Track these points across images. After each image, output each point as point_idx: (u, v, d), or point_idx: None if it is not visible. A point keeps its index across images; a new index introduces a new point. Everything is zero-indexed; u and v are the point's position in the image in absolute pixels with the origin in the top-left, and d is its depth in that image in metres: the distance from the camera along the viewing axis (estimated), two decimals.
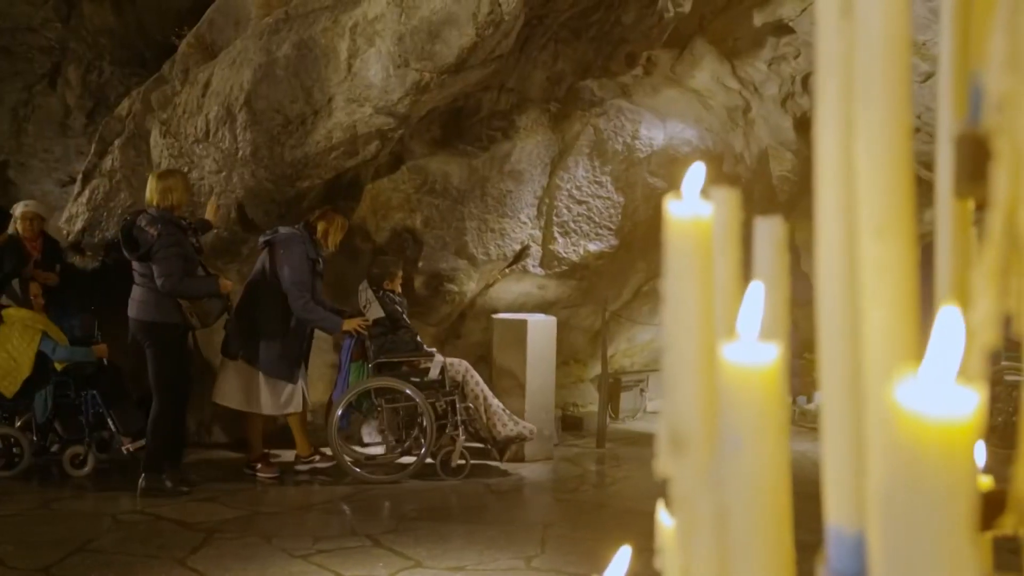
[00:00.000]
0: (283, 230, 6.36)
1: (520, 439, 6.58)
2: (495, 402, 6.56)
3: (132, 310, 5.97)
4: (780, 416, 0.47)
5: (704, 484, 0.52)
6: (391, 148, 6.75)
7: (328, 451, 6.44)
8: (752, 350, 0.47)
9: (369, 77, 6.18)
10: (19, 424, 6.29)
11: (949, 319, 0.39)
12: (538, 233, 7.57)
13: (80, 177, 7.46)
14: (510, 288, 7.74)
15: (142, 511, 5.50)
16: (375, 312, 6.53)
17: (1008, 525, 0.41)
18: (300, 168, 6.50)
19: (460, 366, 6.60)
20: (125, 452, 6.28)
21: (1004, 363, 6.44)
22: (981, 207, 0.62)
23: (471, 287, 7.53)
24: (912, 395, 0.35)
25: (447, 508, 5.73)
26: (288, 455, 6.57)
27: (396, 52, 6.09)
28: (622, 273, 8.06)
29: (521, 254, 7.61)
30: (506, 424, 6.48)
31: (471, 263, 7.44)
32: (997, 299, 0.40)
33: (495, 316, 7.36)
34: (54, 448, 6.34)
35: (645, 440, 7.75)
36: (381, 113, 6.25)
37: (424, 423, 6.34)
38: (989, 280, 0.40)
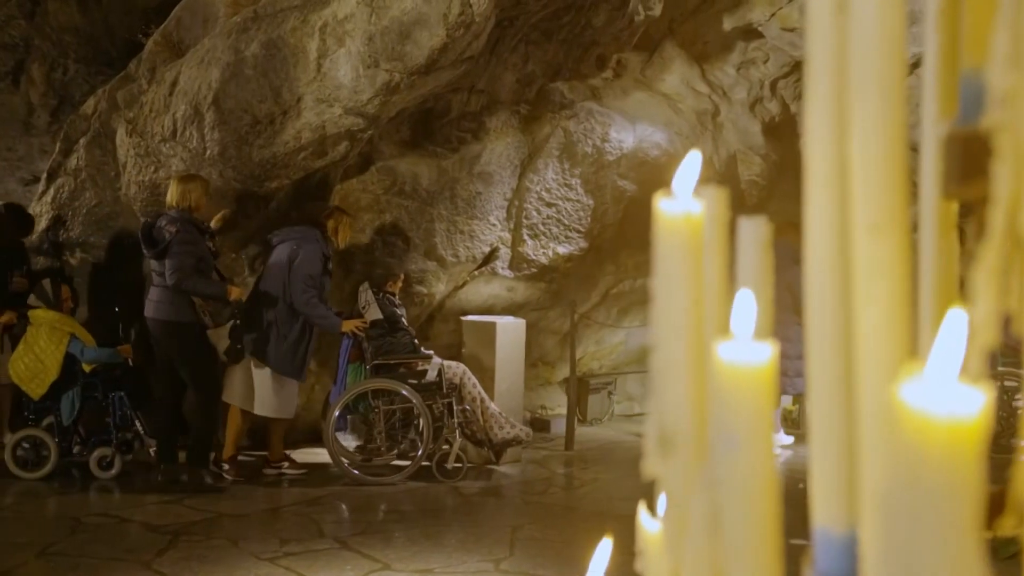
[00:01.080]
0: (296, 229, 6.43)
1: (517, 442, 6.58)
2: (492, 405, 6.56)
3: (149, 310, 6.07)
4: (771, 416, 0.47)
5: (695, 485, 0.51)
6: (360, 149, 6.71)
7: (296, 459, 6.42)
8: (747, 349, 0.46)
9: (338, 77, 6.14)
10: (44, 426, 6.23)
11: (954, 320, 0.38)
12: (507, 235, 7.57)
13: (44, 176, 7.37)
14: (479, 290, 7.73)
15: (107, 513, 5.43)
16: (374, 314, 6.53)
17: (1007, 527, 0.41)
18: (268, 168, 6.45)
19: (457, 368, 6.60)
20: (152, 454, 6.24)
21: (1000, 368, 6.46)
22: (967, 207, 0.62)
23: (440, 289, 7.51)
24: (917, 394, 0.34)
25: (416, 511, 5.71)
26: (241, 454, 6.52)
27: (366, 52, 6.06)
28: (591, 276, 8.08)
29: (490, 256, 7.60)
30: (503, 427, 6.48)
31: (440, 265, 7.42)
32: (997, 299, 0.40)
33: (464, 318, 7.35)
34: (75, 450, 6.29)
35: (613, 443, 7.77)
36: (350, 114, 6.22)
37: (421, 425, 6.31)
38: (989, 279, 0.40)
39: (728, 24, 7.53)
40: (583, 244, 7.73)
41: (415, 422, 6.42)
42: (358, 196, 7.14)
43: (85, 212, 7.34)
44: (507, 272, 7.66)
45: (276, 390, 6.30)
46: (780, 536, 0.49)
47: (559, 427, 7.84)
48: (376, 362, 6.46)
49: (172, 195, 6.02)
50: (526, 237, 7.59)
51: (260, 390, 6.29)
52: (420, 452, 6.28)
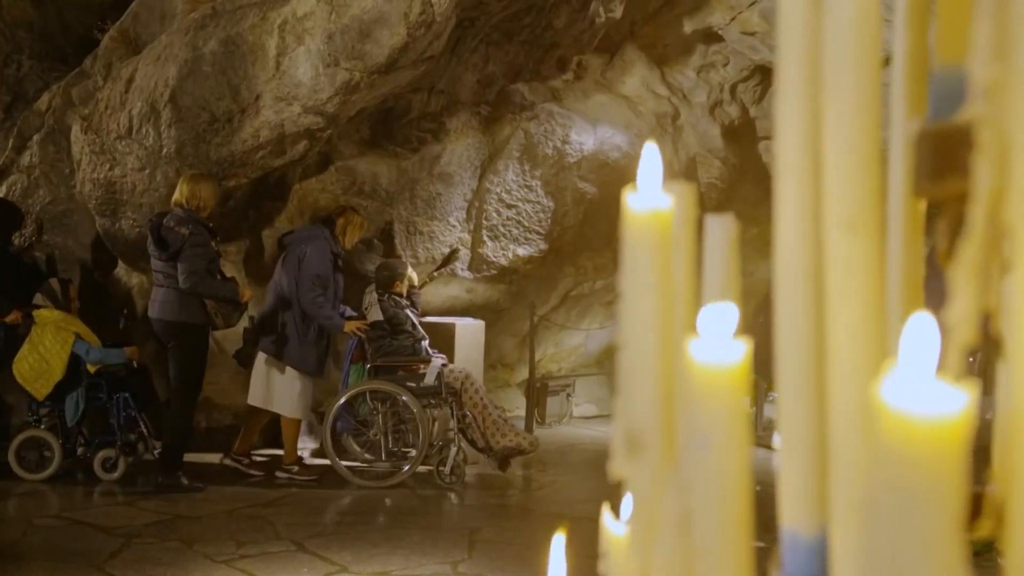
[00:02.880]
0: (306, 228, 6.43)
1: (519, 451, 6.41)
2: (496, 412, 6.47)
3: (155, 311, 6.04)
4: (747, 417, 0.45)
5: (664, 487, 0.50)
6: (319, 148, 6.66)
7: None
8: (720, 348, 0.45)
9: (298, 76, 6.09)
10: (46, 427, 6.15)
11: (921, 319, 0.37)
12: (467, 236, 7.55)
13: None
14: (438, 291, 7.70)
15: (59, 515, 5.34)
16: (375, 315, 6.50)
17: (984, 530, 0.40)
18: (226, 167, 6.37)
19: (460, 373, 6.53)
20: (156, 456, 6.17)
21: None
22: (937, 206, 0.61)
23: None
24: (898, 394, 0.33)
25: (374, 513, 5.67)
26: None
27: (326, 51, 6.01)
28: (550, 278, 8.08)
29: (450, 257, 7.58)
30: (505, 435, 6.37)
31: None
32: (976, 296, 0.39)
33: (423, 319, 7.32)
34: (79, 451, 6.21)
35: (571, 445, 7.78)
36: (310, 112, 6.17)
37: (419, 429, 6.27)
38: (969, 276, 0.39)
39: (688, 27, 7.57)
40: (543, 246, 7.73)
41: (412, 426, 6.38)
42: (317, 196, 7.08)
43: (39, 210, 7.22)
44: (467, 273, 7.64)
45: (293, 388, 6.27)
46: (751, 538, 0.48)
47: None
48: (374, 364, 6.43)
49: (181, 194, 5.97)
50: (486, 238, 7.58)
51: (278, 388, 6.26)
52: (417, 456, 6.23)
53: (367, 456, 6.63)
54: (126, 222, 6.69)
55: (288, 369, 6.29)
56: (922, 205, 0.66)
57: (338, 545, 4.86)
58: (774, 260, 0.51)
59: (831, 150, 0.47)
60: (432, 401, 6.32)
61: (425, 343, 6.65)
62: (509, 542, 5.01)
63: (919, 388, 0.33)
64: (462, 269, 7.62)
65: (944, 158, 0.51)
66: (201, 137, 6.28)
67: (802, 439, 0.48)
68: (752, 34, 7.33)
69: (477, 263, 7.59)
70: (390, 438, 6.49)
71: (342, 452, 6.52)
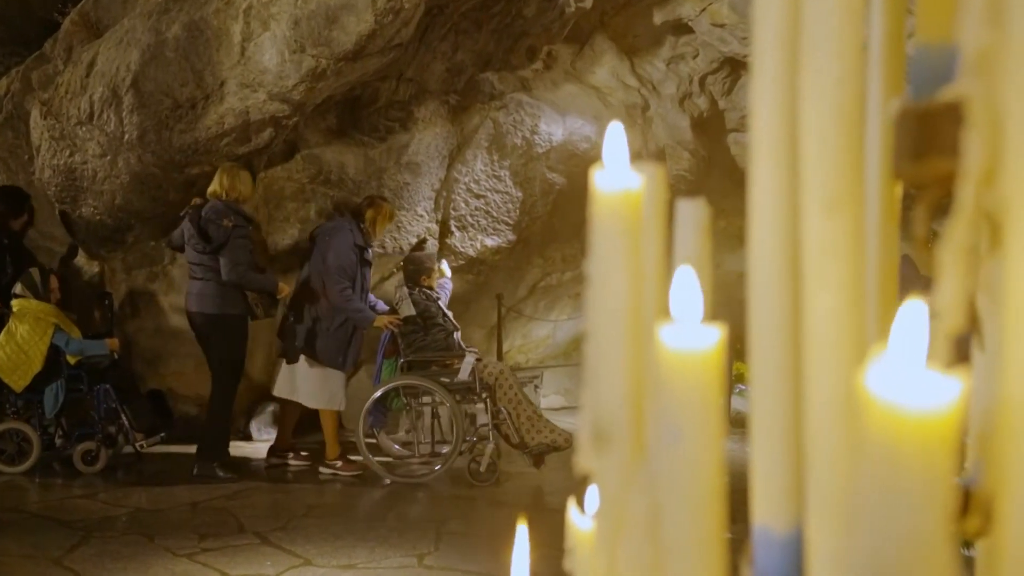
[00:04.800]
0: (331, 221, 6.39)
1: (554, 448, 6.26)
2: (530, 408, 6.36)
3: (193, 304, 6.05)
4: (720, 406, 0.43)
5: (632, 481, 0.48)
6: (285, 136, 6.59)
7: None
8: (692, 333, 0.42)
9: (263, 62, 6.01)
10: (24, 419, 6.06)
11: (914, 305, 0.35)
12: (435, 226, 7.51)
13: None
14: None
15: (17, 508, 5.25)
16: (407, 309, 6.44)
17: (971, 527, 0.38)
18: (190, 154, 6.29)
19: (495, 368, 6.45)
20: (138, 449, 6.12)
21: None
22: (915, 188, 0.59)
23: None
24: (885, 384, 0.31)
25: (338, 505, 5.63)
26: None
27: (292, 37, 5.94)
28: (519, 268, 8.06)
29: (417, 247, 7.53)
30: (540, 431, 6.25)
31: None
32: (965, 278, 0.36)
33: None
34: (58, 444, 6.12)
35: None
36: (275, 99, 6.09)
37: (453, 424, 6.23)
38: (957, 258, 0.36)
39: (658, 18, 7.56)
40: (511, 237, 7.71)
41: (448, 421, 6.35)
42: (283, 185, 7.01)
43: None
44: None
45: (323, 382, 6.21)
46: (725, 533, 0.45)
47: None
48: (407, 359, 6.37)
49: (220, 185, 6.00)
50: (454, 229, 7.54)
51: (307, 383, 6.20)
52: (451, 452, 6.19)
53: (400, 451, 6.60)
54: (87, 209, 6.59)
55: (308, 360, 6.21)
56: (899, 189, 0.64)
57: (302, 538, 4.82)
58: (748, 244, 0.49)
59: (810, 129, 0.45)
60: (466, 396, 6.27)
61: (457, 335, 6.62)
62: (476, 534, 4.99)
63: (907, 378, 0.31)
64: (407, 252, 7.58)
65: (926, 138, 0.49)
66: (164, 123, 6.19)
67: (777, 430, 0.46)
68: (722, 26, 7.33)
69: (445, 253, 7.55)
70: (423, 434, 6.46)
71: (375, 448, 6.48)
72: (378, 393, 6.29)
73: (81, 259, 7.18)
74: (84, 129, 6.38)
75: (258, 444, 6.84)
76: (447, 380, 6.26)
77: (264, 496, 5.71)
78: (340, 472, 6.27)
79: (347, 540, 4.81)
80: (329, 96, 6.51)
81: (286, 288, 6.20)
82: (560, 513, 0.64)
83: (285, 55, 5.97)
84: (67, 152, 6.41)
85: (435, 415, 6.49)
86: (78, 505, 5.33)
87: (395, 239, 7.36)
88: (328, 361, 6.21)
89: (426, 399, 6.37)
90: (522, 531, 0.67)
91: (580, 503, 0.61)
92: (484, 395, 6.22)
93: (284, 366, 6.31)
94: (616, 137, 0.52)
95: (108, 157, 6.38)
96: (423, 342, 6.43)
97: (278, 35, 5.96)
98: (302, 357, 6.22)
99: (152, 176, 6.39)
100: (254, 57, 6.02)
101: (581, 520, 0.61)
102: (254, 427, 7.03)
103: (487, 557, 4.51)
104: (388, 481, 6.12)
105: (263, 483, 5.98)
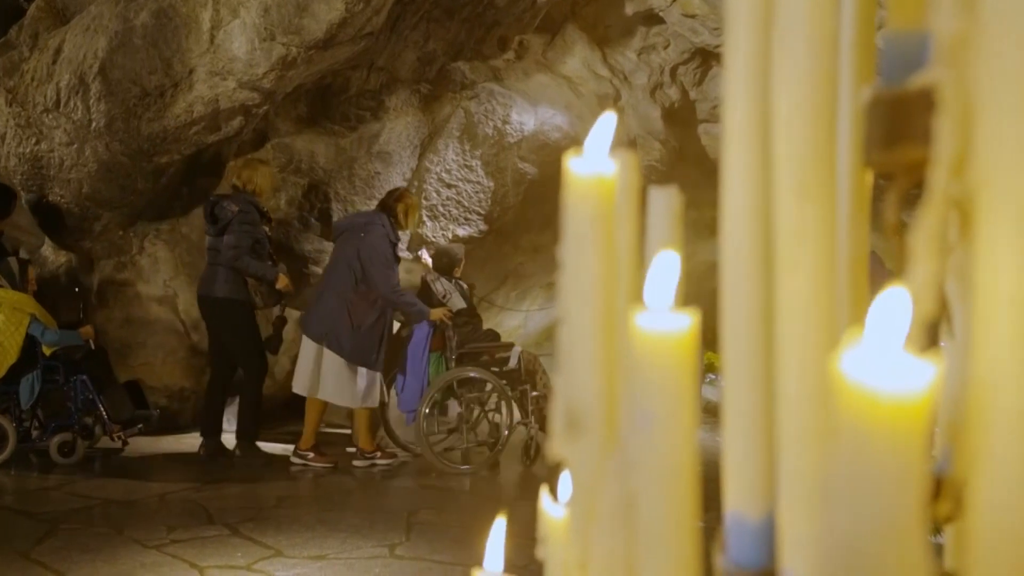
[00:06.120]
0: (360, 215, 6.37)
1: None
2: None
3: (202, 287, 6.14)
4: (694, 391, 0.43)
5: (606, 468, 0.48)
6: (255, 125, 6.54)
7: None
8: (666, 317, 0.42)
9: (233, 50, 5.96)
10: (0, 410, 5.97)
11: (893, 289, 0.35)
12: None
13: None
14: None
15: None
16: (457, 303, 6.52)
17: (942, 512, 0.38)
18: (158, 143, 6.23)
19: (530, 355, 6.56)
20: (115, 440, 6.05)
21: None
22: (886, 178, 0.59)
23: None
24: (858, 367, 0.31)
25: (309, 496, 5.61)
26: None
27: (262, 24, 5.89)
28: (490, 258, 8.06)
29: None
30: None
31: None
32: (937, 264, 0.37)
33: None
34: (34, 435, 6.05)
35: None
36: (245, 88, 6.04)
37: (503, 412, 6.27)
38: (928, 244, 0.37)
39: (630, 9, 7.56)
40: (483, 227, 7.70)
41: (496, 409, 6.40)
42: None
43: None
44: (405, 254, 7.58)
45: (351, 379, 6.15)
46: (698, 521, 0.45)
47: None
48: (463, 351, 6.40)
49: (239, 179, 6.12)
50: (425, 219, 7.52)
51: (335, 380, 6.13)
52: (504, 439, 6.23)
53: (445, 441, 6.63)
54: (53, 198, 6.51)
55: (335, 357, 6.14)
56: (870, 177, 0.64)
57: (273, 529, 4.80)
58: (721, 229, 0.49)
59: (782, 115, 0.45)
60: (514, 385, 6.34)
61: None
62: (447, 524, 4.99)
63: (881, 361, 0.31)
64: (401, 249, 7.55)
65: (897, 126, 0.49)
66: (132, 112, 6.13)
67: (749, 416, 0.46)
68: (693, 16, 7.35)
69: (416, 243, 7.54)
70: (478, 422, 6.54)
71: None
72: (442, 385, 6.32)
73: (47, 249, 7.09)
74: (51, 117, 6.30)
75: (227, 436, 6.79)
76: (496, 370, 6.38)
77: (234, 487, 5.68)
78: (378, 462, 6.27)
79: (318, 531, 4.80)
80: (300, 84, 6.46)
81: (286, 280, 6.18)
82: (531, 503, 0.64)
83: (255, 43, 5.92)
84: (33, 140, 6.33)
85: (481, 404, 6.55)
86: (48, 497, 5.28)
87: None
88: (361, 360, 6.16)
89: (473, 391, 6.42)
90: (499, 527, 0.67)
91: (553, 491, 0.61)
92: (527, 382, 6.33)
93: (309, 363, 6.20)
94: (607, 126, 0.52)
95: (75, 145, 6.31)
96: (475, 334, 6.53)
97: (248, 22, 5.91)
98: (331, 354, 6.14)
99: (120, 165, 6.33)
100: (223, 45, 5.97)
101: (553, 508, 0.61)
102: (224, 419, 6.99)
103: (458, 547, 4.52)
104: (466, 467, 6.21)
105: (233, 474, 5.95)
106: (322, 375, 6.17)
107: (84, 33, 6.22)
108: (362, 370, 6.18)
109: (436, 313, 6.34)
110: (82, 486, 5.51)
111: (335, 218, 7.19)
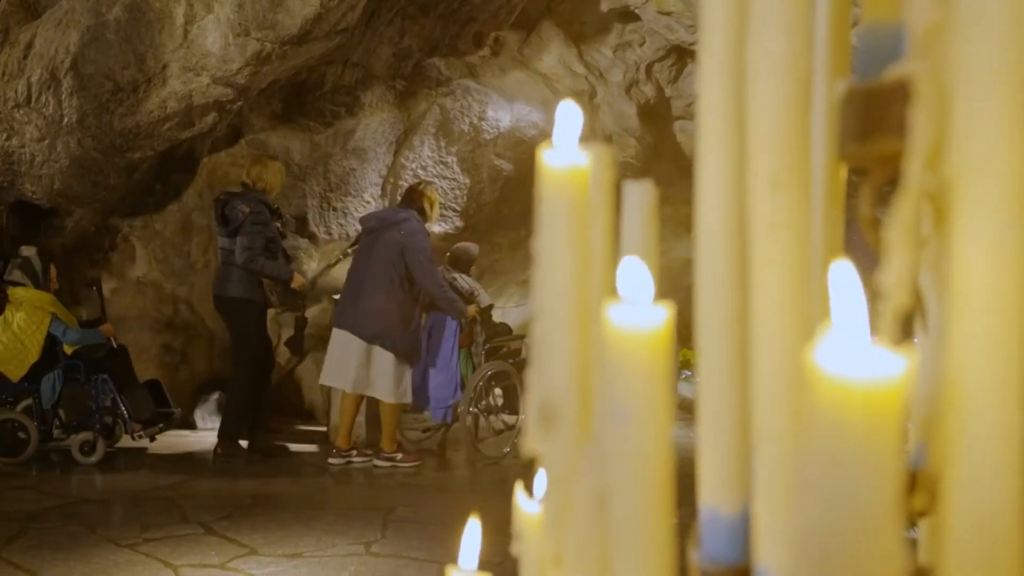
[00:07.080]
0: (391, 211, 6.31)
1: None
2: None
3: (216, 287, 6.12)
4: (669, 385, 0.43)
5: (580, 463, 0.47)
6: (229, 121, 6.50)
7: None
8: (640, 312, 0.42)
9: (207, 45, 5.91)
10: (21, 409, 5.92)
11: (843, 272, 0.35)
12: None
13: None
14: None
15: None
16: (485, 299, 6.64)
17: (916, 506, 0.38)
18: (131, 138, 6.17)
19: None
20: (136, 439, 6.03)
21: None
22: (860, 172, 0.59)
23: (312, 267, 7.36)
24: (832, 358, 0.31)
25: (284, 494, 5.58)
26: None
27: (236, 19, 5.84)
28: None
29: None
30: None
31: (312, 242, 7.27)
32: (911, 255, 0.36)
33: (336, 297, 7.21)
34: (56, 434, 6.01)
35: None
36: (219, 83, 6.00)
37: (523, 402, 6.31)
38: (903, 235, 0.36)
39: (605, 5, 7.57)
40: (459, 223, 7.69)
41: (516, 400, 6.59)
42: (227, 170, 6.92)
43: None
44: None
45: (400, 376, 6.12)
46: (673, 516, 0.45)
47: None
48: (491, 345, 6.55)
49: (248, 175, 6.11)
50: None
51: (387, 378, 6.06)
52: (520, 423, 6.36)
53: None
54: (25, 194, 6.44)
55: (387, 355, 6.06)
56: (844, 170, 0.64)
57: (248, 527, 4.77)
58: (697, 223, 0.48)
59: (757, 107, 0.45)
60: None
61: None
62: (423, 521, 4.98)
63: (854, 352, 0.31)
64: None
65: (872, 118, 0.49)
66: (104, 107, 6.07)
67: (724, 410, 0.46)
68: (668, 14, 7.36)
69: None
70: (502, 413, 6.72)
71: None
72: (480, 383, 6.39)
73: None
74: (21, 112, 6.23)
75: (202, 433, 6.75)
76: (512, 361, 6.55)
77: (208, 486, 5.65)
78: (400, 464, 6.21)
79: (293, 529, 4.77)
80: (274, 80, 6.43)
81: (301, 279, 6.21)
82: (506, 499, 0.64)
83: (229, 38, 5.88)
84: (3, 135, 6.26)
85: (505, 395, 6.71)
86: (21, 496, 5.22)
87: (342, 225, 7.31)
88: (413, 358, 6.16)
89: (505, 381, 6.60)
90: (474, 524, 0.66)
91: (528, 487, 0.61)
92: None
93: (354, 360, 6.08)
94: (569, 115, 0.52)
95: (47, 141, 6.24)
96: (494, 328, 6.70)
97: (222, 18, 5.87)
98: (383, 353, 6.07)
99: (93, 160, 6.27)
100: (197, 40, 5.92)
101: (528, 504, 0.61)
102: (198, 416, 6.94)
103: (434, 544, 4.51)
104: (507, 448, 6.35)
105: (207, 473, 5.91)
106: (373, 374, 6.08)
107: (56, 28, 6.15)
108: (402, 366, 6.16)
109: (472, 310, 6.43)
110: (53, 485, 5.46)
111: (311, 215, 7.16)
